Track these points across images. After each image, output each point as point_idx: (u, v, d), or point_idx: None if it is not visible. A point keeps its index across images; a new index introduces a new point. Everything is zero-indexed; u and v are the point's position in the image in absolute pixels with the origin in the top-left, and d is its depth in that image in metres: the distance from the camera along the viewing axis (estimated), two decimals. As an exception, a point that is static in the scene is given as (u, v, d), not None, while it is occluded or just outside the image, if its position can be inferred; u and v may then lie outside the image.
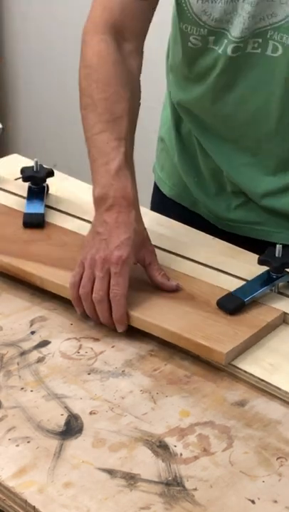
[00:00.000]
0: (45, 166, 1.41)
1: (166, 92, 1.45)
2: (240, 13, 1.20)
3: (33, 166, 1.40)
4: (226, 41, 1.23)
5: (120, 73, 1.23)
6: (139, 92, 1.27)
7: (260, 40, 1.22)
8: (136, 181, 1.18)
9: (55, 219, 1.34)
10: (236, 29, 1.21)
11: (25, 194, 1.39)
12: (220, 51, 1.25)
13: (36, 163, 1.40)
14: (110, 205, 1.16)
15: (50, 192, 1.42)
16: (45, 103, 3.03)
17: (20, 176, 1.40)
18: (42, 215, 1.33)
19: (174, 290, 1.17)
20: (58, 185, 1.46)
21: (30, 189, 1.40)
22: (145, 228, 1.19)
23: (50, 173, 1.41)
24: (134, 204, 1.17)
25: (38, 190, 1.39)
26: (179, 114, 1.40)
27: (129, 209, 1.16)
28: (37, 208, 1.35)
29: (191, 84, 1.34)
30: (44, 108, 3.04)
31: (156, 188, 1.54)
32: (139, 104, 1.26)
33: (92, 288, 1.13)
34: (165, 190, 1.50)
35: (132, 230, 1.15)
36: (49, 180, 1.42)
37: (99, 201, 1.17)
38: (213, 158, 1.37)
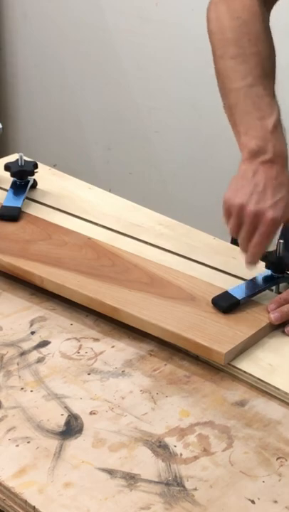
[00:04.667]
0: (28, 159, 1.42)
1: None
2: None
3: (17, 160, 1.41)
4: None
5: (268, 31, 1.23)
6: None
7: None
8: None
9: (56, 219, 1.34)
10: None
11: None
12: None
13: (21, 157, 1.40)
14: (269, 160, 1.14)
15: (50, 192, 1.42)
16: (45, 103, 3.03)
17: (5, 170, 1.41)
18: (18, 209, 1.34)
19: None
20: (58, 185, 1.46)
21: (14, 183, 1.40)
22: None
23: (35, 166, 1.42)
24: (287, 163, 1.16)
25: (22, 184, 1.40)
26: None
27: (285, 168, 1.15)
28: (16, 202, 1.36)
29: None
30: (44, 108, 3.04)
31: None
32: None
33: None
34: None
35: (287, 191, 1.14)
36: (49, 180, 1.43)
37: (255, 153, 1.15)
38: None
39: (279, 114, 1.17)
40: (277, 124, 1.16)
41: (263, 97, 1.17)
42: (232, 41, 1.21)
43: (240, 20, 1.21)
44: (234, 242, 1.29)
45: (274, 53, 1.22)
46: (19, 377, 1.05)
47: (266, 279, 1.17)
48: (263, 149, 1.14)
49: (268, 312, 1.13)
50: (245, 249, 1.14)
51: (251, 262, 1.15)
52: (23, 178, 1.41)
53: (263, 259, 1.18)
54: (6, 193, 1.40)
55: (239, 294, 1.14)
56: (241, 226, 1.13)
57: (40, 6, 2.92)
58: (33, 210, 1.37)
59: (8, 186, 1.41)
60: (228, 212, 1.13)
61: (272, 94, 1.18)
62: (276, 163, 1.14)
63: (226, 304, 1.12)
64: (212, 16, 1.26)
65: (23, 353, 1.09)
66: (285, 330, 1.12)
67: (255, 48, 1.19)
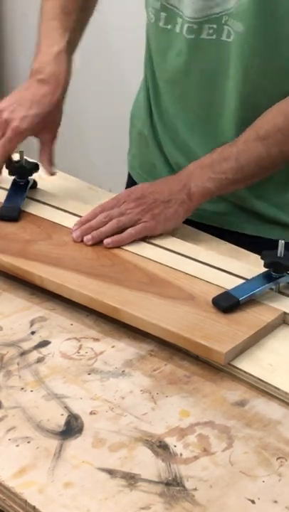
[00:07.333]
0: (30, 160, 1.42)
1: (143, 80, 1.50)
2: None
3: (18, 160, 1.40)
4: (180, 20, 1.28)
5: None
6: (93, 8, 1.49)
7: (215, 26, 1.26)
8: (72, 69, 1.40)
9: (56, 218, 1.34)
10: (188, 9, 1.26)
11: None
12: (177, 30, 1.30)
13: (21, 153, 1.40)
14: (43, 79, 1.36)
15: (50, 192, 1.42)
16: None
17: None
18: (18, 209, 1.34)
19: (51, 174, 1.39)
20: (58, 185, 1.46)
21: (14, 183, 1.40)
22: (62, 113, 1.41)
23: (36, 167, 1.41)
24: (63, 86, 1.37)
25: (22, 184, 1.40)
26: (150, 103, 1.46)
27: (57, 90, 1.36)
28: (16, 202, 1.36)
29: (158, 63, 1.40)
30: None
31: (129, 177, 1.58)
32: (90, 16, 1.49)
33: None
34: (137, 178, 1.54)
35: (45, 110, 1.35)
36: (49, 180, 1.42)
37: (34, 72, 1.38)
38: (179, 148, 1.42)
39: (67, 45, 1.38)
40: (61, 52, 1.37)
41: (56, 29, 1.39)
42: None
43: None
44: None
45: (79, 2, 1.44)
46: (19, 377, 1.05)
47: (266, 278, 1.17)
48: (41, 69, 1.36)
49: (71, 232, 1.28)
50: None
51: None
52: (22, 177, 1.41)
53: (262, 258, 1.18)
54: (6, 192, 1.40)
55: (239, 294, 1.14)
56: None
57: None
58: (34, 209, 1.37)
59: (8, 186, 1.41)
60: None
61: (66, 28, 1.40)
62: (48, 82, 1.35)
63: (226, 304, 1.12)
64: None
65: (23, 353, 1.09)
66: (104, 242, 1.25)
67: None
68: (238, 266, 1.23)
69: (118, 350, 1.10)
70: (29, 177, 1.42)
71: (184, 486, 0.89)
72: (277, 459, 0.94)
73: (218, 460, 0.93)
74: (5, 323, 1.14)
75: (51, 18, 1.40)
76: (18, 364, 1.07)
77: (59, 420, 0.98)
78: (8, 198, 1.37)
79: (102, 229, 1.27)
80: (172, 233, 1.32)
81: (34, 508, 0.86)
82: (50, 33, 1.39)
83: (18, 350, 1.09)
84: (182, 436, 0.96)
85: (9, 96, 1.37)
